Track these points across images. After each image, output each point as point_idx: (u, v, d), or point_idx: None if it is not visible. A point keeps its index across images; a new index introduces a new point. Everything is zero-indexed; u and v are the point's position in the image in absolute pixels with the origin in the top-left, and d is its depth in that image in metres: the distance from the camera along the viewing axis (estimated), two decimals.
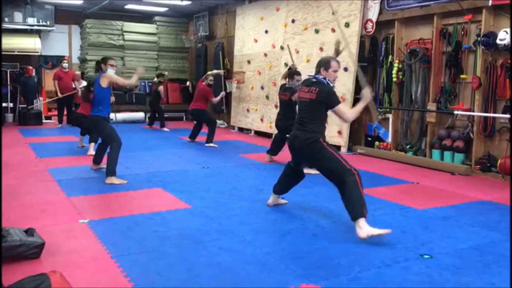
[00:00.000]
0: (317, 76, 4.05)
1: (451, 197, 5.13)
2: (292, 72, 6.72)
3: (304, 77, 6.81)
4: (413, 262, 3.23)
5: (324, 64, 4.04)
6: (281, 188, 4.52)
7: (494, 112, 6.19)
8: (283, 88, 6.77)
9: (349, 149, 8.14)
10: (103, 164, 5.87)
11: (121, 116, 12.40)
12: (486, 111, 6.28)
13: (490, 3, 6.12)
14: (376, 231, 3.56)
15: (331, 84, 4.03)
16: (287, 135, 6.96)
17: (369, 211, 4.23)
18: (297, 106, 6.69)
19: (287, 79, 6.75)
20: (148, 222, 4.02)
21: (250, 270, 3.05)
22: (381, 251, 3.41)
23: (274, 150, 7.08)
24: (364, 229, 3.57)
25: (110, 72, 5.71)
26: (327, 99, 3.93)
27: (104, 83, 5.60)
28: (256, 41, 10.62)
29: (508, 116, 5.90)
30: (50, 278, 2.48)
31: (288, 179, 4.46)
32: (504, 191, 5.40)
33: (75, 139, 8.72)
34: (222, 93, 9.68)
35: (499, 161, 6.08)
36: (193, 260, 3.20)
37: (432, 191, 5.44)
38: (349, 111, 4.13)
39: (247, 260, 3.22)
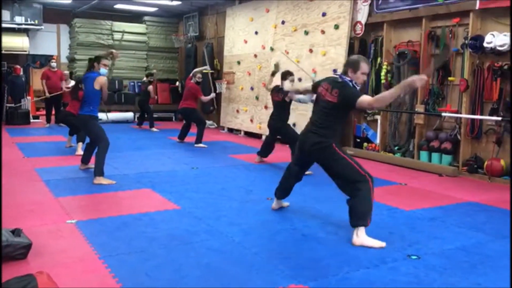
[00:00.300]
0: (343, 76, 3.72)
1: (438, 198, 5.18)
2: (284, 72, 6.65)
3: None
4: (400, 262, 3.25)
5: (352, 65, 3.68)
6: (282, 192, 4.41)
7: (481, 114, 6.26)
8: (276, 89, 6.74)
9: None
10: (91, 164, 5.83)
11: (110, 116, 12.33)
12: (473, 113, 6.35)
13: (477, 6, 6.19)
14: (370, 242, 3.53)
15: (357, 87, 3.68)
16: (278, 137, 7.00)
17: None
18: (291, 104, 6.75)
19: (280, 80, 6.71)
20: (137, 223, 4.01)
21: (239, 271, 3.05)
22: (369, 251, 3.43)
23: (264, 151, 7.08)
24: (361, 238, 3.55)
25: (103, 72, 5.66)
26: (347, 101, 3.62)
27: (97, 86, 5.56)
28: (246, 42, 10.62)
29: (495, 118, 5.97)
30: (37, 279, 2.46)
31: (288, 182, 4.32)
32: (490, 192, 5.46)
33: (63, 139, 8.66)
34: (213, 94, 9.67)
35: (486, 163, 6.15)
36: (181, 260, 3.20)
37: (419, 192, 5.48)
38: (370, 98, 3.59)
39: (236, 261, 3.22)
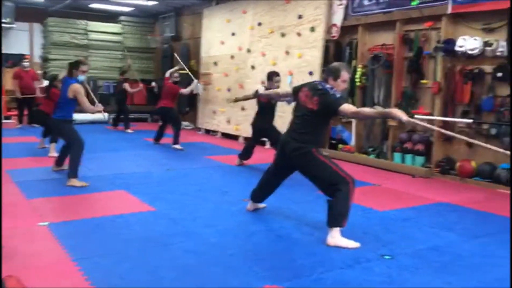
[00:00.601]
0: (323, 83, 3.76)
1: (411, 199, 5.27)
2: (271, 73, 6.64)
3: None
4: (374, 262, 3.30)
5: (332, 73, 3.73)
6: (258, 196, 4.39)
7: (453, 117, 6.40)
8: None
9: None
10: (65, 166, 5.74)
11: (84, 116, 12.14)
12: (445, 116, 6.48)
13: (449, 11, 6.33)
14: (344, 243, 3.56)
15: (337, 95, 3.67)
16: (262, 139, 6.91)
17: None
18: (276, 106, 6.66)
19: (266, 80, 6.65)
20: (111, 225, 3.96)
21: (214, 272, 3.05)
22: (343, 252, 3.47)
23: (245, 155, 6.96)
24: (335, 238, 3.58)
25: (81, 79, 5.54)
26: (328, 107, 3.64)
27: (70, 94, 5.39)
28: (223, 43, 10.61)
29: (466, 120, 6.10)
30: (6, 282, 2.41)
31: (269, 186, 4.29)
32: (462, 193, 5.59)
33: (35, 140, 8.49)
34: (195, 81, 9.46)
35: (457, 164, 6.29)
36: (156, 263, 3.17)
37: (393, 193, 5.57)
38: (354, 109, 3.65)
39: (212, 262, 3.21)
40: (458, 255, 3.51)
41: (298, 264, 3.22)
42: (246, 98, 6.57)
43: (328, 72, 3.79)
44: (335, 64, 3.93)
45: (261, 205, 4.54)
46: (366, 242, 3.68)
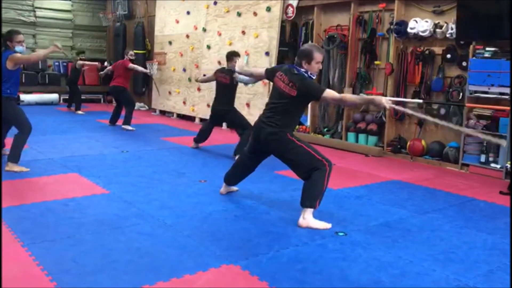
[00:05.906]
0: (298, 68, 3.69)
1: (364, 177, 5.40)
2: (230, 53, 6.31)
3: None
4: (328, 239, 3.37)
5: (305, 56, 3.65)
6: (234, 179, 4.32)
7: (405, 97, 6.57)
8: (223, 71, 6.36)
9: None
10: (6, 149, 5.32)
11: (33, 97, 11.71)
12: (397, 96, 6.64)
13: None
14: (316, 224, 3.59)
15: (313, 78, 3.71)
16: (221, 121, 6.65)
17: (289, 191, 4.38)
18: (237, 87, 6.36)
19: (226, 62, 6.32)
20: (63, 209, 3.86)
21: (170, 254, 3.03)
22: (299, 230, 3.53)
23: (200, 137, 6.71)
24: (307, 220, 3.59)
25: (19, 50, 5.06)
26: (309, 94, 3.65)
27: (10, 66, 4.93)
28: (177, 22, 10.41)
29: (417, 100, 6.28)
30: None
31: (242, 171, 4.24)
32: (412, 171, 5.78)
33: None
34: (146, 70, 9.51)
35: (408, 143, 6.49)
36: (110, 246, 3.12)
37: (347, 171, 5.69)
38: (337, 96, 3.67)
39: (167, 244, 3.19)
40: (408, 230, 3.64)
41: (255, 243, 3.26)
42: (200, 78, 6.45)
43: (301, 55, 3.70)
44: (306, 46, 3.84)
45: (234, 188, 4.47)
46: (321, 219, 3.74)
